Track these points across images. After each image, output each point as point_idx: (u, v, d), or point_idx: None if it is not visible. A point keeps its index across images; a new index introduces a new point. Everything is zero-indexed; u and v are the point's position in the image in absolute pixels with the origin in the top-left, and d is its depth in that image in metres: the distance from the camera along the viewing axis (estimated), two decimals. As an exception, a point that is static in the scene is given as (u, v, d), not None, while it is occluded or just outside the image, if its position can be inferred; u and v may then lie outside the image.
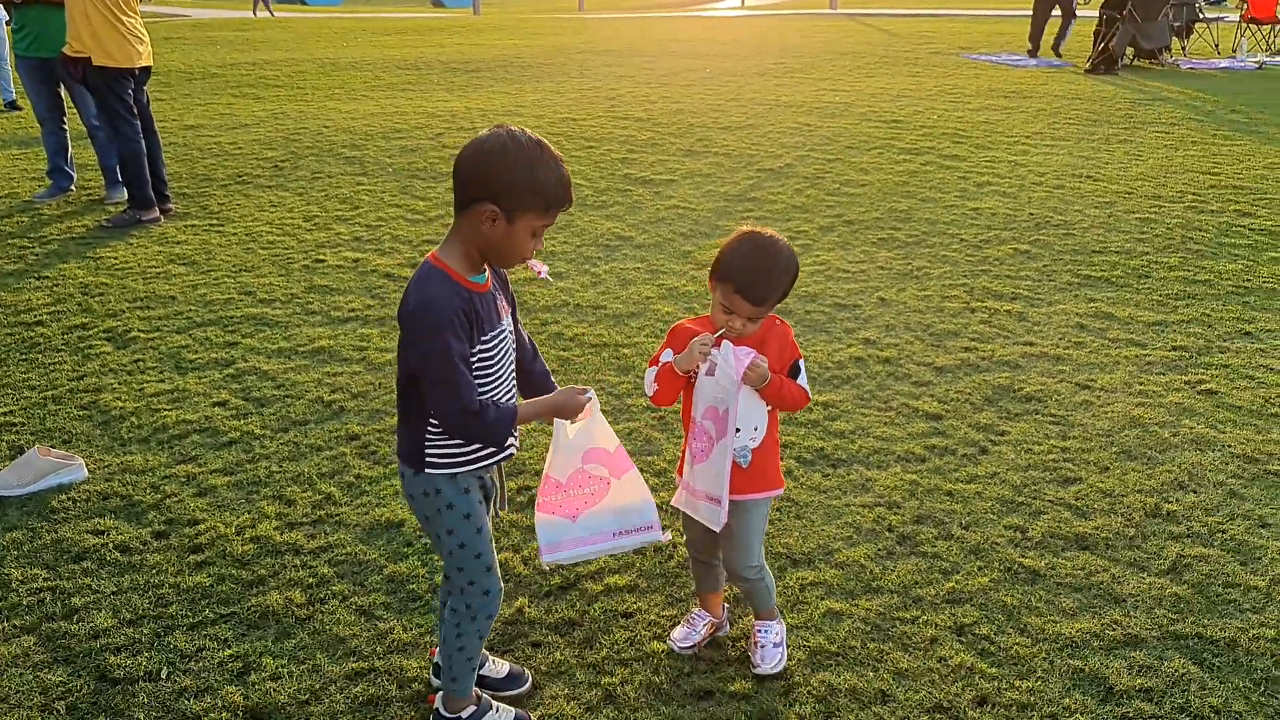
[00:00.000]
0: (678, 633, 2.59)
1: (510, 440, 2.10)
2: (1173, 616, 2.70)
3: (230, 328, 4.66)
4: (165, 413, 3.84)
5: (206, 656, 2.54)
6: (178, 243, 5.94)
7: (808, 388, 2.39)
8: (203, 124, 9.45)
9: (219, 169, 7.67)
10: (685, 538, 2.61)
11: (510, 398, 2.12)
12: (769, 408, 2.36)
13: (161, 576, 2.86)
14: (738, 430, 2.30)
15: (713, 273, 2.27)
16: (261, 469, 3.44)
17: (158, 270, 5.46)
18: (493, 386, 2.03)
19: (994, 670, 2.51)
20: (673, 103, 10.30)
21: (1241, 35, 14.95)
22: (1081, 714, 2.37)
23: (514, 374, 2.14)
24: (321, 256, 5.63)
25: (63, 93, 6.86)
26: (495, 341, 2.02)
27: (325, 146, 8.37)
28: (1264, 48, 14.82)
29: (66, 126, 6.95)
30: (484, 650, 2.37)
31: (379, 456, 3.54)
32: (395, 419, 3.74)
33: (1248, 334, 4.57)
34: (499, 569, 2.20)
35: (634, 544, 2.34)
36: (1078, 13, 14.65)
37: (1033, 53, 14.33)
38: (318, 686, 2.43)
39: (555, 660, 2.52)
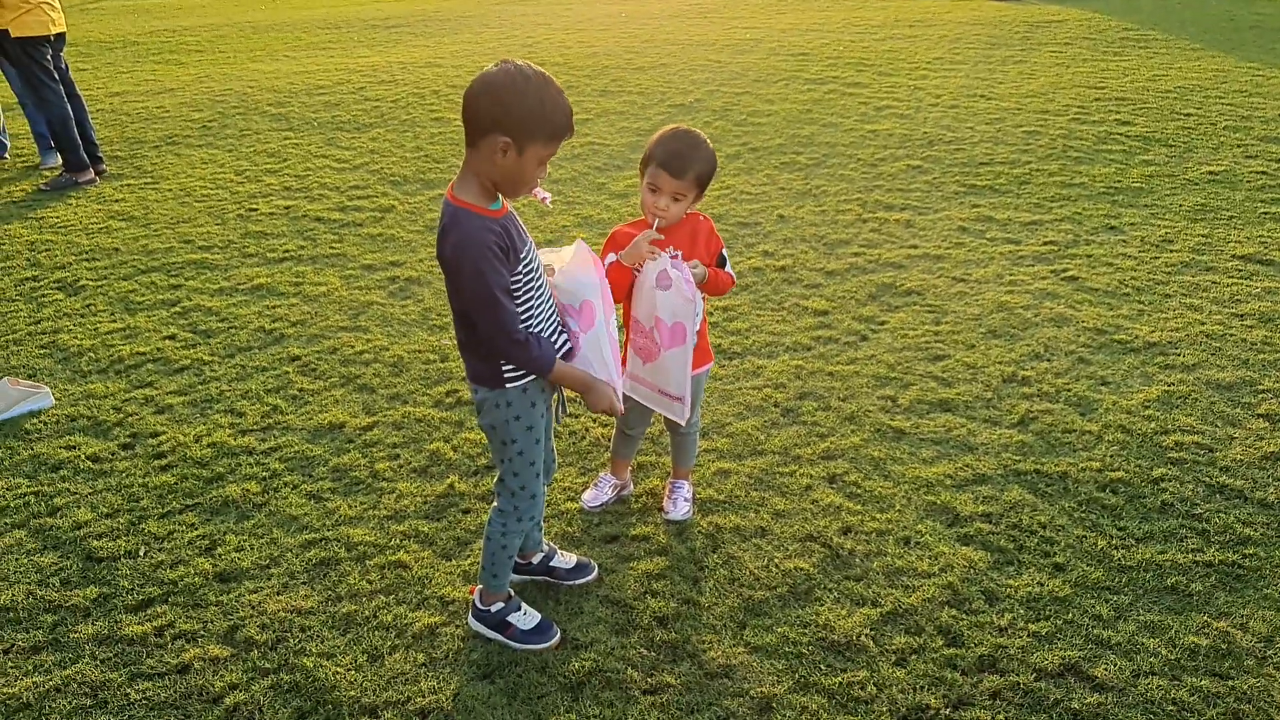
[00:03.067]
0: (587, 495, 3.00)
1: (560, 345, 2.24)
2: (1016, 458, 3.18)
3: (173, 273, 4.94)
4: (120, 347, 4.15)
5: (177, 537, 2.92)
6: (116, 201, 6.15)
7: (733, 273, 2.74)
8: (128, 90, 9.50)
9: (149, 131, 7.81)
10: (625, 417, 2.84)
11: (554, 314, 2.24)
12: (702, 295, 2.65)
13: (131, 478, 3.22)
14: None
15: (642, 162, 2.51)
16: (213, 388, 3.79)
17: (99, 226, 5.69)
18: (538, 301, 2.15)
19: (859, 507, 2.97)
20: (588, 47, 10.55)
21: (1140, -44, 15.45)
22: (931, 535, 2.83)
23: (547, 283, 2.24)
24: (254, 206, 5.89)
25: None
26: (530, 256, 2.12)
27: (251, 106, 8.52)
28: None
29: (-5, 96, 7.06)
30: (550, 545, 2.68)
31: (319, 372, 3.89)
32: (333, 341, 4.13)
33: (1113, 228, 5.06)
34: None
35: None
36: None
37: None
38: (276, 554, 2.82)
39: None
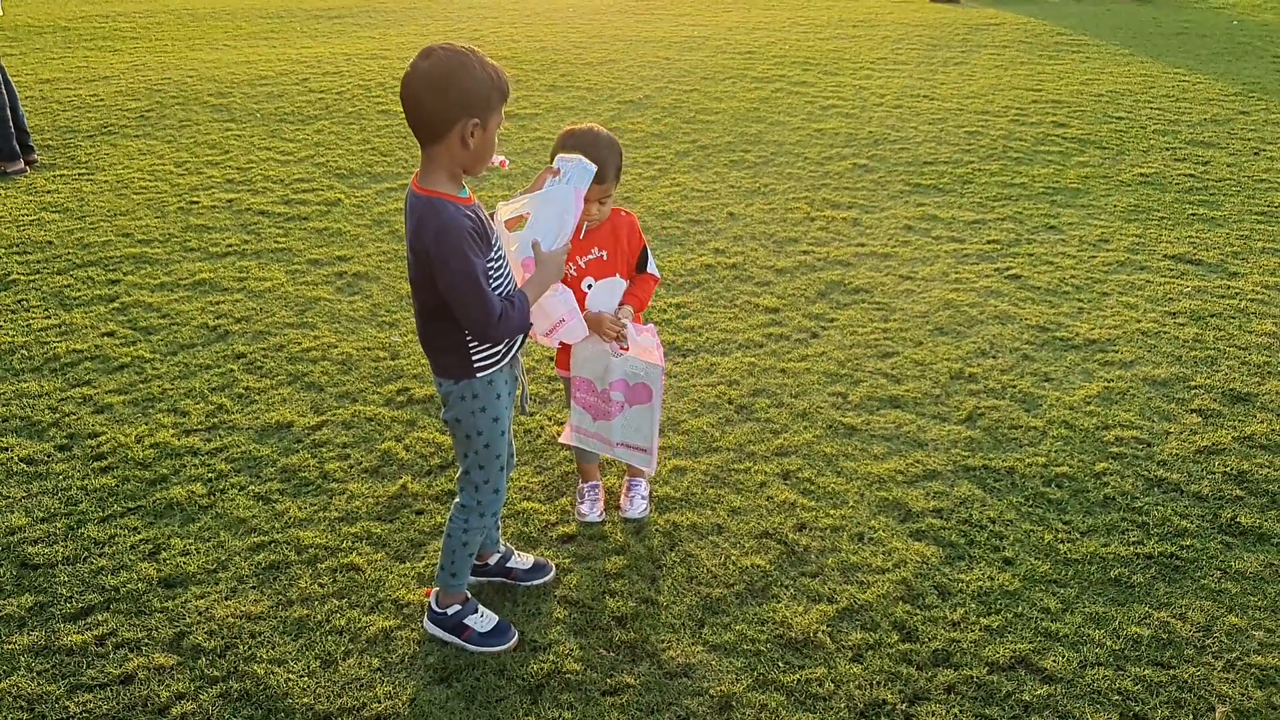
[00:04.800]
0: (584, 507, 2.92)
1: (513, 341, 2.27)
2: (965, 454, 3.24)
3: (111, 267, 4.79)
4: (55, 344, 4.02)
5: (119, 542, 2.83)
6: (48, 192, 5.94)
7: (656, 271, 2.74)
8: (59, 77, 9.18)
9: (83, 120, 7.56)
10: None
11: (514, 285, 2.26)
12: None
13: (69, 481, 3.12)
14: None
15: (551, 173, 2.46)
16: (155, 387, 3.68)
17: (30, 218, 5.49)
18: (508, 282, 2.19)
19: (813, 504, 3.00)
20: (536, 41, 10.48)
21: (1076, -38, 15.84)
22: (884, 531, 2.87)
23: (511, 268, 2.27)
24: (195, 199, 5.74)
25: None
26: (498, 243, 2.17)
27: (190, 95, 8.30)
28: (1096, -27, 15.75)
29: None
30: (507, 545, 2.66)
31: (266, 370, 3.81)
32: (279, 338, 4.04)
33: (1052, 227, 5.18)
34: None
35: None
36: None
37: None
38: (224, 558, 2.76)
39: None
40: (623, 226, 2.65)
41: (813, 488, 3.07)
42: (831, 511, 2.96)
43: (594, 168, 2.29)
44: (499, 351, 2.25)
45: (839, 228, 5.20)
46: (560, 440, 2.88)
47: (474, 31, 11.28)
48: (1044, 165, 6.13)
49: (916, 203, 5.54)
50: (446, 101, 1.99)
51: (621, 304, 2.66)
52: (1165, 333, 4.00)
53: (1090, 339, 3.97)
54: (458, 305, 2.08)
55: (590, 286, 2.60)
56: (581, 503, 2.95)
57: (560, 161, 2.30)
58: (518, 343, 2.32)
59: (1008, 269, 4.66)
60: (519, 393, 2.44)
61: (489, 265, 2.10)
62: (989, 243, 4.98)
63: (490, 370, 2.23)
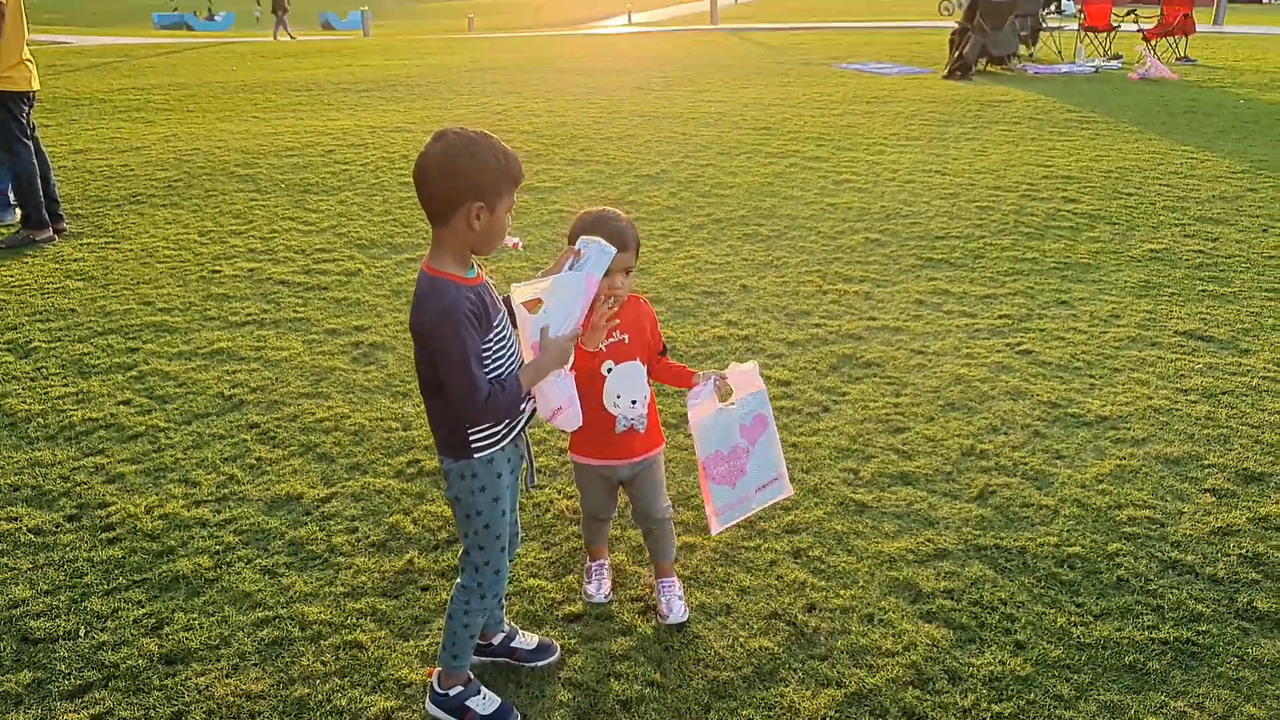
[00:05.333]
0: (590, 588, 2.88)
1: (512, 421, 2.27)
2: (977, 533, 3.20)
3: (131, 335, 4.87)
4: (71, 412, 4.07)
5: (122, 616, 2.82)
6: (74, 260, 6.08)
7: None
8: (92, 148, 9.46)
9: (112, 190, 7.76)
10: (584, 501, 2.86)
11: (517, 365, 2.27)
12: (649, 381, 2.68)
13: (75, 552, 3.12)
14: (633, 402, 2.61)
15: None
16: (168, 457, 3.71)
17: (55, 285, 5.60)
18: (510, 359, 2.20)
19: (823, 583, 2.96)
20: (557, 116, 10.72)
21: (1080, 42, 16.19)
22: (894, 612, 2.83)
23: (518, 346, 2.29)
24: (218, 268, 5.85)
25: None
26: (502, 323, 2.19)
27: (218, 166, 8.51)
28: (1100, 53, 16.06)
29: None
30: (511, 625, 2.63)
31: (278, 440, 3.84)
32: (293, 408, 4.08)
33: (1064, 303, 5.19)
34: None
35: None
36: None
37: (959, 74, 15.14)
38: (227, 633, 2.74)
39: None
40: (645, 315, 2.67)
41: (823, 566, 3.04)
42: (841, 592, 2.92)
43: (613, 250, 2.31)
44: (498, 432, 2.24)
45: (851, 301, 5.23)
46: (713, 533, 2.85)
47: (497, 106, 11.56)
48: (1055, 240, 6.17)
49: (928, 277, 5.57)
50: (453, 185, 2.04)
51: (691, 377, 2.71)
52: (1177, 410, 3.98)
53: (1102, 416, 3.94)
54: (447, 385, 2.10)
55: (610, 370, 2.58)
56: (589, 582, 2.91)
57: (582, 243, 2.32)
58: (521, 422, 2.32)
59: (1019, 344, 4.66)
60: (524, 469, 2.44)
61: (486, 346, 2.12)
62: (1000, 317, 4.99)
63: (489, 450, 2.23)
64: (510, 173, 2.09)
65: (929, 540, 3.16)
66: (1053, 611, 2.81)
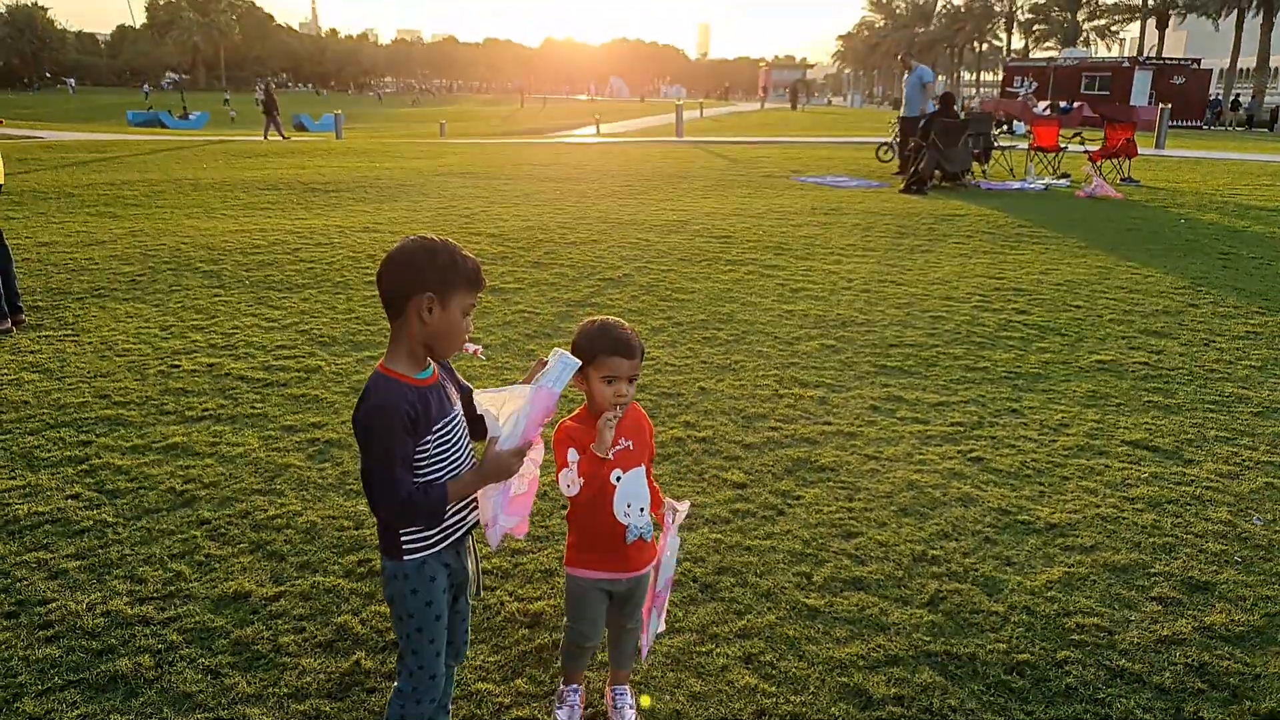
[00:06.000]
0: (561, 714, 2.79)
1: (461, 515, 2.27)
2: (927, 639, 3.22)
3: (84, 429, 4.82)
4: (16, 506, 3.99)
5: (55, 717, 2.73)
6: (31, 352, 6.04)
7: None
8: (58, 241, 9.48)
9: (74, 283, 7.77)
10: (579, 630, 2.71)
11: (461, 471, 2.27)
12: None
13: (10, 651, 3.03)
14: (641, 510, 2.60)
15: (585, 360, 2.42)
16: (114, 552, 3.64)
17: (10, 378, 5.55)
18: (451, 465, 2.21)
19: (774, 689, 2.95)
20: (524, 221, 10.96)
21: (1030, 161, 16.97)
22: (844, 719, 2.83)
23: (470, 452, 2.30)
24: (177, 362, 5.84)
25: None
26: (449, 426, 2.20)
27: (183, 261, 8.56)
28: (1049, 172, 16.84)
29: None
30: None
31: (229, 537, 3.79)
32: (245, 504, 4.04)
33: (1014, 410, 5.32)
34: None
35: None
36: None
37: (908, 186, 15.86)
38: (164, 736, 2.66)
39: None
40: (644, 420, 2.70)
41: (774, 672, 3.03)
42: (792, 698, 2.91)
43: (576, 364, 2.31)
44: (431, 536, 2.24)
45: (807, 406, 5.33)
46: (643, 658, 2.86)
47: (465, 209, 11.80)
48: (1006, 350, 6.36)
49: (883, 383, 5.70)
50: (406, 276, 2.12)
51: (664, 511, 2.72)
52: (1124, 518, 4.07)
53: (1051, 523, 4.02)
54: (368, 482, 2.12)
55: (619, 479, 2.56)
56: (560, 707, 2.82)
57: (552, 356, 2.32)
58: (460, 529, 2.31)
59: (971, 451, 4.76)
60: (471, 577, 2.42)
61: (423, 448, 2.14)
62: (953, 424, 5.10)
63: (421, 554, 2.23)
64: (466, 273, 2.14)
65: (880, 646, 3.17)
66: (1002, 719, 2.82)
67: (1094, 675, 3.03)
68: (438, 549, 2.24)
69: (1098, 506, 4.17)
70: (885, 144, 19.51)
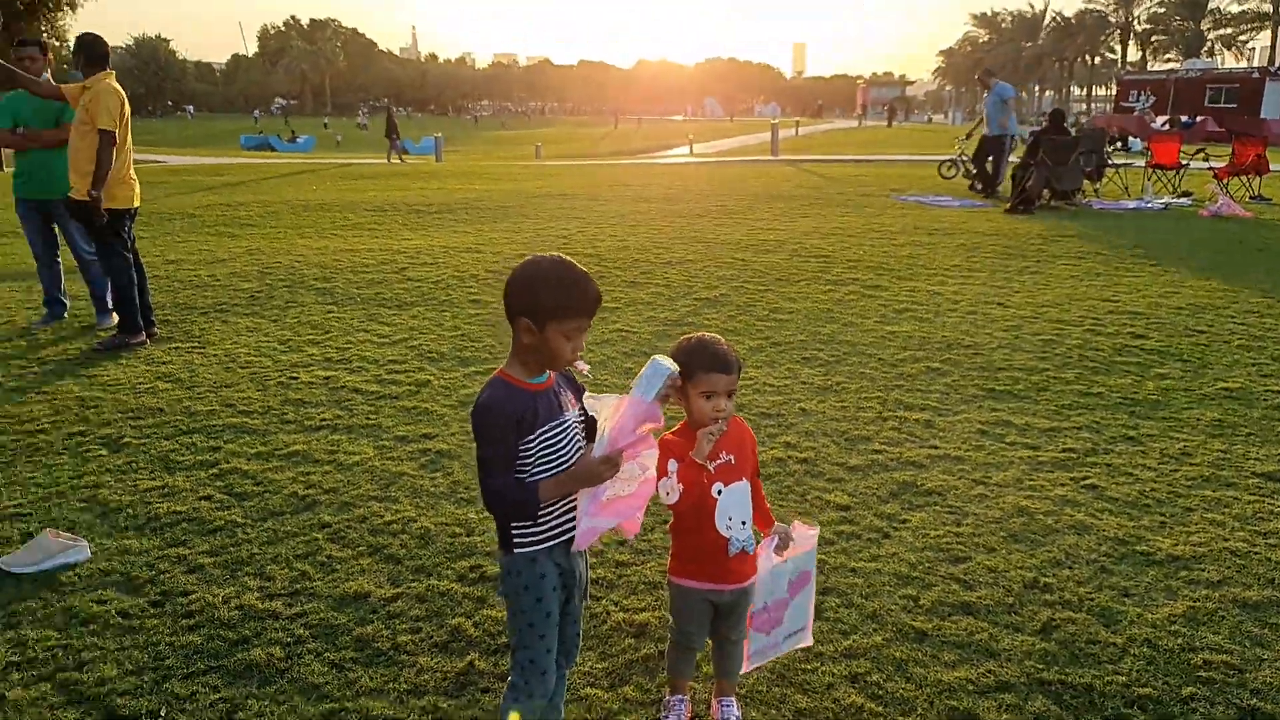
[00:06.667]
0: None
1: (568, 517, 2.34)
2: (1040, 667, 3.15)
3: (213, 435, 5.10)
4: (157, 505, 4.26)
5: (199, 699, 2.91)
6: (163, 363, 6.41)
7: None
8: (183, 259, 10.04)
9: (199, 298, 8.21)
10: (684, 631, 2.78)
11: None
12: None
13: (159, 636, 3.24)
14: (743, 523, 2.65)
15: (683, 376, 2.46)
16: (244, 551, 3.85)
17: (146, 386, 5.91)
18: (558, 466, 2.30)
19: (880, 709, 2.93)
20: (619, 241, 11.11)
21: (1148, 179, 16.37)
22: (954, 742, 2.79)
23: (581, 455, 2.35)
24: (295, 374, 6.12)
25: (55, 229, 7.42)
26: (557, 430, 2.29)
27: (297, 279, 8.96)
28: (1169, 190, 16.20)
29: (60, 260, 7.49)
30: None
31: (348, 541, 3.96)
32: (363, 510, 4.21)
33: (1131, 438, 5.15)
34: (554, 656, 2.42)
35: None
36: (1009, 160, 16.15)
37: (987, 192, 15.78)
38: (295, 723, 2.80)
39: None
40: (747, 436, 2.74)
41: (880, 692, 3.01)
42: (900, 719, 2.89)
43: (666, 369, 2.34)
44: (537, 533, 2.33)
45: (911, 428, 5.27)
46: (741, 672, 2.90)
47: (562, 230, 12.03)
48: (1122, 375, 6.16)
49: (990, 408, 5.59)
50: (514, 297, 2.26)
51: (770, 530, 2.77)
52: (1256, 553, 3.89)
53: (1174, 555, 3.88)
54: (478, 471, 2.28)
55: (720, 492, 2.61)
56: (667, 715, 2.87)
57: (649, 364, 2.36)
58: (571, 529, 2.36)
59: (1084, 479, 4.63)
60: (580, 580, 2.49)
61: (527, 446, 2.26)
62: (1065, 451, 4.97)
63: (530, 549, 2.33)
64: (564, 304, 2.21)
65: (990, 671, 3.12)
66: (1122, 752, 2.74)
67: (1223, 713, 2.91)
68: (547, 545, 2.33)
69: (1225, 540, 4.01)
70: (949, 160, 19.01)
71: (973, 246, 10.76)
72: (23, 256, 10.18)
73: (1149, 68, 73.09)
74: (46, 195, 7.12)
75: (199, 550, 3.86)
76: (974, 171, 16.61)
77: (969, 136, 17.04)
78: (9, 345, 6.84)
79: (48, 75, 7.17)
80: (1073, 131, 16.51)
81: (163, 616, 3.38)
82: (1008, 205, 14.12)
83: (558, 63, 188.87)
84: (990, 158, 15.93)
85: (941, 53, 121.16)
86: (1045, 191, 14.44)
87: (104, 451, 4.89)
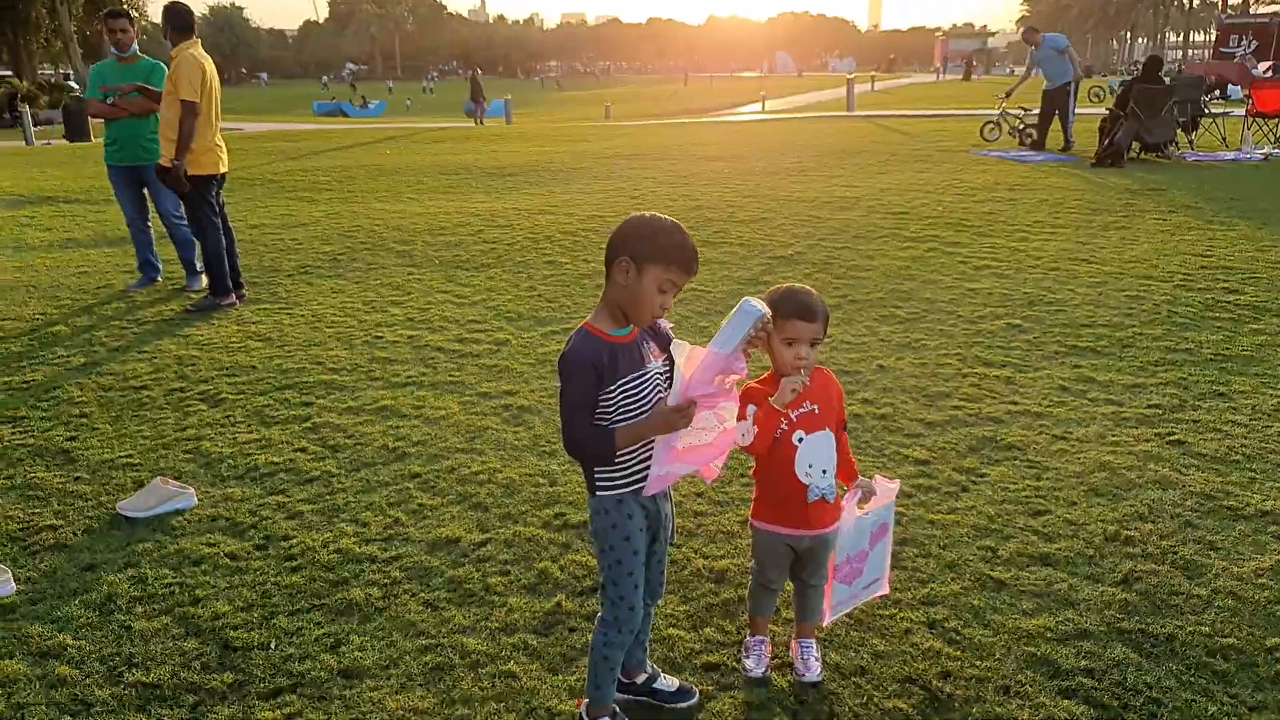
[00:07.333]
0: (749, 661, 2.93)
1: (640, 465, 2.40)
2: (1120, 616, 3.15)
3: (305, 391, 5.33)
4: (256, 456, 4.49)
5: (305, 634, 3.11)
6: (254, 323, 6.69)
7: None
8: (266, 223, 10.36)
9: (284, 261, 8.50)
10: (764, 574, 2.87)
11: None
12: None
13: (264, 577, 3.46)
14: (824, 472, 2.71)
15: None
16: (339, 499, 4.06)
17: (239, 345, 6.18)
18: (638, 415, 2.36)
19: (958, 653, 2.98)
20: (691, 200, 11.10)
21: (1248, 129, 15.60)
22: (1031, 686, 2.82)
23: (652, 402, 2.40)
24: (380, 334, 6.33)
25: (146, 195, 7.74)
26: (638, 381, 2.35)
27: (377, 242, 9.19)
28: (1270, 140, 15.43)
29: (151, 225, 7.81)
30: (654, 667, 2.81)
31: (438, 490, 4.13)
32: (450, 461, 4.37)
33: (1221, 394, 5.03)
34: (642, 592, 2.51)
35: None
36: (1075, 109, 15.55)
37: (1038, 147, 15.24)
38: (395, 656, 2.99)
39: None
40: (833, 385, 2.78)
41: (958, 638, 3.05)
42: (977, 663, 2.93)
43: (755, 314, 2.34)
44: (617, 477, 2.42)
45: (991, 385, 5.22)
46: (824, 624, 2.97)
47: (634, 190, 12.06)
48: (1213, 332, 5.99)
49: (1073, 364, 5.51)
50: (617, 240, 2.33)
51: (854, 485, 2.82)
52: (1350, 510, 3.80)
53: (1263, 510, 3.81)
54: (561, 420, 2.38)
55: (800, 440, 2.66)
56: (747, 656, 2.96)
57: (736, 308, 2.39)
58: (649, 473, 2.42)
59: (1170, 434, 4.55)
60: (665, 521, 2.57)
61: (608, 396, 2.33)
62: (1150, 407, 4.88)
63: (613, 491, 2.43)
64: (662, 247, 2.28)
65: (1069, 620, 3.13)
66: (1203, 700, 2.74)
67: (1309, 663, 2.88)
68: (630, 489, 2.43)
69: (1318, 495, 3.91)
70: (990, 121, 16.93)
71: (1056, 202, 10.47)
72: (115, 223, 10.65)
73: (1251, 11, 69.09)
74: (136, 162, 7.43)
75: (297, 498, 4.07)
76: (1021, 128, 16.02)
77: (1009, 94, 16.29)
78: (109, 307, 7.21)
79: (135, 47, 7.46)
80: (1167, 80, 15.81)
81: (267, 559, 3.60)
82: (1094, 159, 13.66)
83: (626, 21, 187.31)
84: (1056, 111, 15.40)
85: (1026, 1, 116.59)
86: (1135, 144, 13.93)
87: (203, 406, 5.16)
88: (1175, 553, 3.52)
